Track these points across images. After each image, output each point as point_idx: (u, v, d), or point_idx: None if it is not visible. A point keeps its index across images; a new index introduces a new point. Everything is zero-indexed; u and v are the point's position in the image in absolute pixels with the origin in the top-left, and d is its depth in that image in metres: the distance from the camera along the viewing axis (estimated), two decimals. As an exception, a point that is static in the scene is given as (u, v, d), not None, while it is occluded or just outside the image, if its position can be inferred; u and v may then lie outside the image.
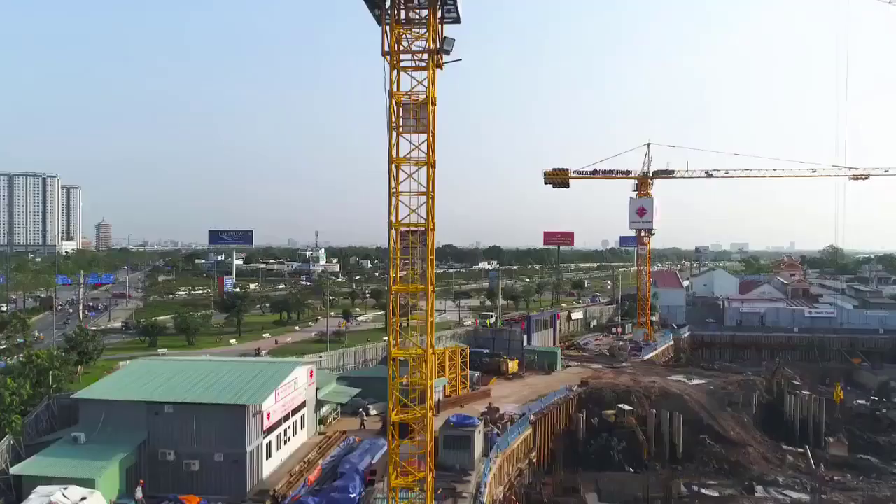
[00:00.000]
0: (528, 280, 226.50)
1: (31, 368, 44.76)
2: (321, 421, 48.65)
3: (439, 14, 26.03)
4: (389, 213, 25.96)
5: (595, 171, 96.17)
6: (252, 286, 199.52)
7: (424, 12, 26.03)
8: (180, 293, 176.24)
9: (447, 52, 25.14)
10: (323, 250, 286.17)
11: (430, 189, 25.60)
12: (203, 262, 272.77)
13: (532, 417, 52.92)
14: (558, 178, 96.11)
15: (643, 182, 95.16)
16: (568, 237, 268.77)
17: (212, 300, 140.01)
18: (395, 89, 25.13)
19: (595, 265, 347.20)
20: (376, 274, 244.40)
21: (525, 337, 78.26)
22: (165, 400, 36.23)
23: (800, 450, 60.38)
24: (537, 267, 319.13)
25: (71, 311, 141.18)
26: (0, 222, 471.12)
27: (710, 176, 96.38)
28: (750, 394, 66.21)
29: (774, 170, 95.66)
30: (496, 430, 46.89)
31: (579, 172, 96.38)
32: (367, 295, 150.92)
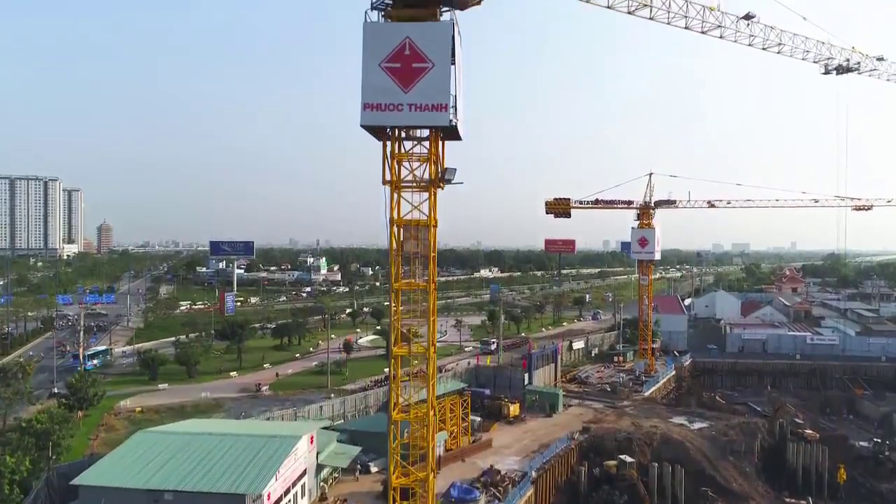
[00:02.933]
0: (528, 291, 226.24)
1: (30, 439, 44.52)
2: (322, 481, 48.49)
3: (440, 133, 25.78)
4: (391, 334, 25.69)
5: (597, 201, 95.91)
6: (253, 300, 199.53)
7: (426, 131, 25.76)
8: (182, 307, 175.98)
9: (448, 182, 24.89)
10: (324, 259, 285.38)
11: (432, 313, 25.32)
12: (204, 270, 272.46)
13: (534, 474, 52.71)
14: (559, 209, 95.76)
15: (645, 212, 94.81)
16: (569, 245, 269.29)
17: (212, 320, 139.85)
18: (395, 215, 24.85)
19: (596, 271, 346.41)
20: (377, 284, 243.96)
21: (526, 375, 77.91)
22: (165, 487, 36.04)
23: (802, 502, 60.23)
24: (538, 273, 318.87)
25: (72, 322, 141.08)
26: (2, 226, 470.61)
27: (713, 206, 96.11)
28: (752, 440, 65.91)
29: (777, 200, 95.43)
30: (497, 498, 46.67)
31: (580, 202, 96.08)
32: (368, 313, 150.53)
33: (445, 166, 24.94)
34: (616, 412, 73.67)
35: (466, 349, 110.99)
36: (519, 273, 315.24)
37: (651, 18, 36.49)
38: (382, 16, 26.90)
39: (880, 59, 51.53)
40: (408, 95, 25.30)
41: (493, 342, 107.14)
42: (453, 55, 26.09)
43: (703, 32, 39.83)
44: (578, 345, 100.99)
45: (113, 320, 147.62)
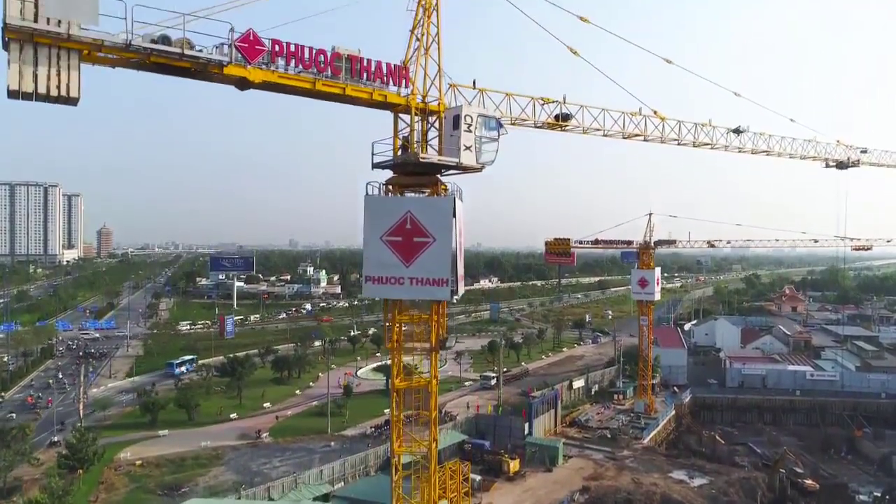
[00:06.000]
0: (528, 307, 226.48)
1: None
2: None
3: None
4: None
5: (597, 241, 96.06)
6: (253, 317, 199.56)
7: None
8: (181, 327, 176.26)
9: (447, 349, 24.86)
10: (324, 272, 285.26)
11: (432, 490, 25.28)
12: (204, 282, 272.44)
13: (533, 548, 52.76)
14: (559, 249, 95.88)
15: (645, 252, 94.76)
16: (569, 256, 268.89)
17: (212, 344, 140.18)
18: (396, 379, 24.82)
19: (596, 280, 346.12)
20: (376, 298, 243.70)
21: (526, 425, 78.00)
22: None
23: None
24: (539, 283, 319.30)
25: (74, 347, 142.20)
26: (2, 231, 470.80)
27: (712, 246, 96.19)
28: (752, 502, 65.95)
29: (777, 240, 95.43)
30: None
31: (580, 242, 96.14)
32: (369, 337, 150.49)
33: (446, 334, 25.02)
34: (616, 465, 73.67)
35: (466, 384, 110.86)
36: (519, 283, 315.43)
37: (645, 140, 36.47)
38: (384, 183, 26.84)
39: (864, 151, 52.69)
40: (409, 269, 25.26)
41: (494, 377, 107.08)
42: (454, 218, 25.92)
43: (695, 146, 39.92)
44: (578, 383, 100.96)
45: (113, 345, 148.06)
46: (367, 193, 25.97)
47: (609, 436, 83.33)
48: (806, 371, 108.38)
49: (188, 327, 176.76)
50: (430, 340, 24.85)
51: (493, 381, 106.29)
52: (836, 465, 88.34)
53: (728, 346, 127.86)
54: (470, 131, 25.36)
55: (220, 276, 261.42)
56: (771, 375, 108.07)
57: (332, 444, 79.83)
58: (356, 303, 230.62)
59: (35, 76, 18.05)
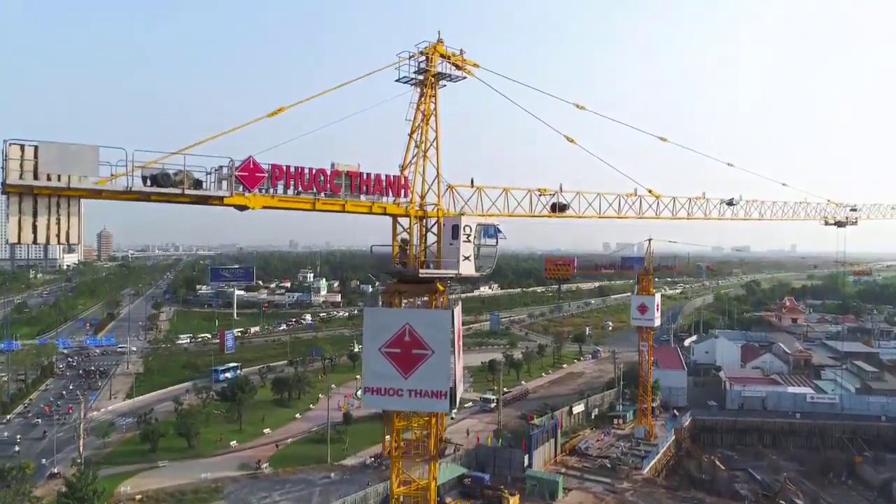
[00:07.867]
0: (529, 318, 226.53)
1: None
2: None
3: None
4: None
5: (597, 267, 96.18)
6: (253, 329, 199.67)
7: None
8: (182, 341, 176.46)
9: (447, 457, 24.89)
10: (324, 280, 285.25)
11: None
12: (204, 290, 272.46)
13: None
14: (560, 273, 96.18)
15: (645, 277, 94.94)
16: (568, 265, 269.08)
17: (213, 359, 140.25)
18: (394, 484, 24.86)
19: (596, 285, 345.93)
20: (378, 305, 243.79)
21: (526, 457, 78.07)
22: None
23: None
24: (539, 289, 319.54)
25: (74, 364, 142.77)
26: (2, 236, 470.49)
27: (711, 270, 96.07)
28: (752, 539, 66.13)
29: (777, 267, 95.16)
30: None
31: (580, 269, 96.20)
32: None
33: (445, 442, 25.07)
34: (616, 498, 73.65)
35: (466, 405, 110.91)
36: (519, 290, 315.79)
37: (640, 217, 36.63)
38: (382, 291, 26.97)
39: (853, 209, 53.54)
40: (407, 381, 25.36)
41: (493, 400, 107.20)
42: (453, 327, 26.03)
43: (689, 219, 40.19)
44: (578, 408, 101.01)
45: (113, 361, 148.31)
46: (366, 305, 26.09)
47: (609, 465, 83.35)
48: (806, 393, 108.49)
49: (188, 341, 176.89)
50: (429, 447, 24.93)
51: (493, 405, 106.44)
52: (837, 492, 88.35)
53: (728, 365, 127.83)
54: (469, 241, 25.53)
55: (221, 285, 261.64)
56: (771, 397, 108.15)
57: (333, 475, 79.78)
58: (357, 311, 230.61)
59: (35, 227, 18.18)
